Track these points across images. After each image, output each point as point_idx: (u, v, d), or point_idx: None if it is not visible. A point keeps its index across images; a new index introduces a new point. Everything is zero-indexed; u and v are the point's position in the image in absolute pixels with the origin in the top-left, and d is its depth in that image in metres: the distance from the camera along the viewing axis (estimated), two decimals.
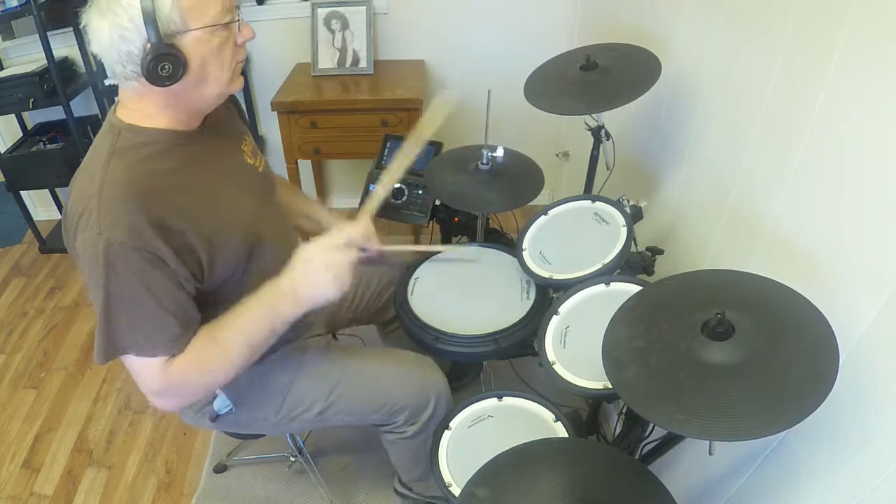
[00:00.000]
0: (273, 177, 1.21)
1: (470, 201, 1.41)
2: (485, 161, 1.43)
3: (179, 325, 0.91)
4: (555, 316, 1.11)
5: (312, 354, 1.20)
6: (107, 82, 2.20)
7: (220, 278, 0.99)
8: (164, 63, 0.84)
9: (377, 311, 1.47)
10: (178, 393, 0.97)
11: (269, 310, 0.96)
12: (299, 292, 0.96)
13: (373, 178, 1.72)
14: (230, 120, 1.12)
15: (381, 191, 1.15)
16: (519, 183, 1.44)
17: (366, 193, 1.71)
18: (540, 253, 1.26)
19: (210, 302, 1.00)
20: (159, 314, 0.89)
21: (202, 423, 1.19)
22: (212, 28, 0.88)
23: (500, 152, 1.45)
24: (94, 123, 2.52)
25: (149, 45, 0.83)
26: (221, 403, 1.13)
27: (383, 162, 1.75)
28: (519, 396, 1.14)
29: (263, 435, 1.39)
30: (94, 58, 0.83)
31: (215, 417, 1.15)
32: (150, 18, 0.82)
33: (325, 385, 1.17)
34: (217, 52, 0.90)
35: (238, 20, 0.93)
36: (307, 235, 1.47)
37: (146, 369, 0.92)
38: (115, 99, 0.99)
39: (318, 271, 0.95)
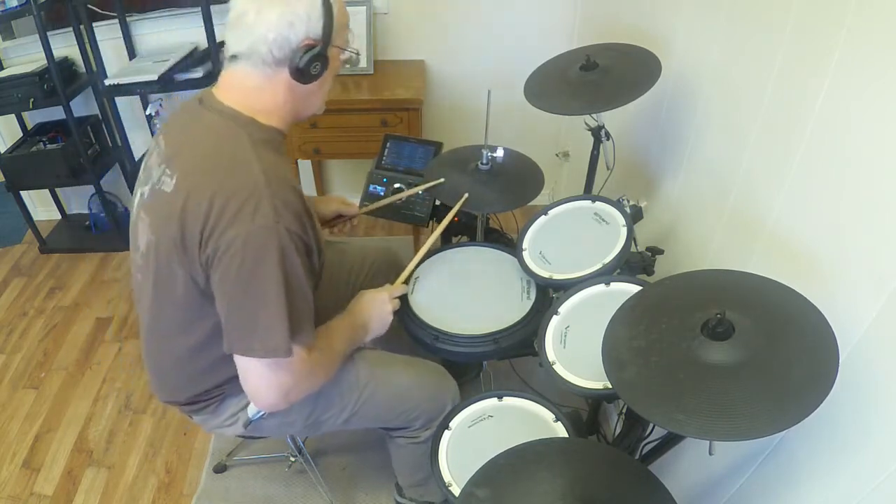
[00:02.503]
0: None
1: (470, 201, 1.41)
2: (485, 161, 1.43)
3: (313, 313, 0.97)
4: (555, 316, 1.11)
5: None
6: (107, 82, 2.19)
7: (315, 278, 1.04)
8: (317, 63, 0.93)
9: None
10: (309, 382, 1.01)
11: (352, 332, 1.13)
12: (369, 326, 1.16)
13: (373, 179, 1.72)
14: None
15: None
16: (519, 183, 1.44)
17: (366, 193, 1.71)
18: (540, 253, 1.26)
19: None
20: (311, 300, 0.95)
21: (229, 431, 1.17)
22: (341, 50, 0.99)
23: (500, 152, 1.45)
24: (94, 123, 2.52)
25: (309, 42, 0.91)
26: (255, 409, 1.12)
27: (383, 162, 1.75)
28: (519, 396, 1.14)
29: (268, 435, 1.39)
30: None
31: (248, 423, 1.14)
32: (328, 21, 0.91)
33: (354, 393, 1.18)
34: (333, 72, 1.01)
35: (357, 54, 1.03)
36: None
37: (299, 356, 0.95)
38: (208, 84, 1.02)
39: (387, 312, 1.18)
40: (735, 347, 0.73)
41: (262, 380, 0.95)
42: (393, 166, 1.73)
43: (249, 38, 0.90)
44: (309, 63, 0.91)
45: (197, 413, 1.16)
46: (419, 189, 1.48)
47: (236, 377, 0.99)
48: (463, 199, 1.38)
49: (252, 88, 0.95)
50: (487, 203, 1.43)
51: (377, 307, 1.18)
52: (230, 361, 0.96)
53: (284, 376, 0.95)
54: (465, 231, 1.72)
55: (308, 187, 2.70)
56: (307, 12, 0.89)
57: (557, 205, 1.33)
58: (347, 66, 1.05)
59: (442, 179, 1.44)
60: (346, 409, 1.18)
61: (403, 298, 1.28)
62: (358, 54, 1.03)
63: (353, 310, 1.17)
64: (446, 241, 1.75)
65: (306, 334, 0.95)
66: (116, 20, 2.30)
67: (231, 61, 0.95)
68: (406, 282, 1.27)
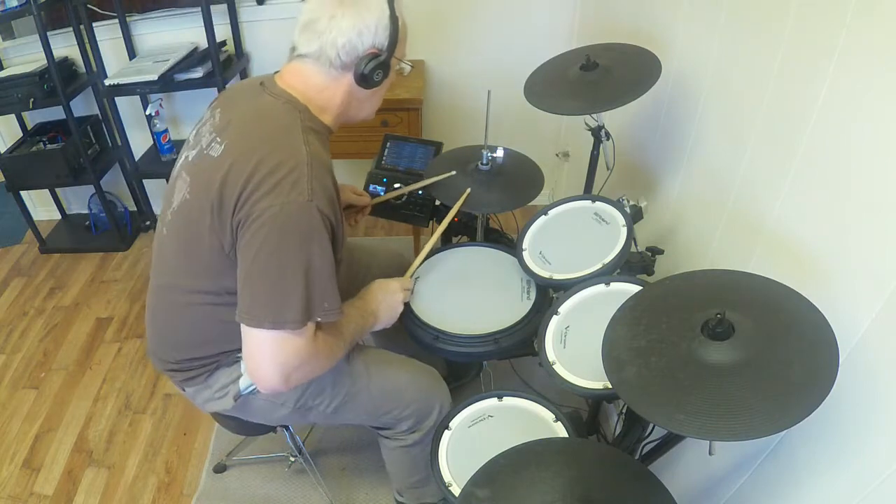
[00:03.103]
0: None
1: (470, 202, 1.41)
2: (485, 161, 1.43)
3: (339, 297, 0.99)
4: (555, 316, 1.11)
5: None
6: (107, 82, 2.19)
7: None
8: (380, 70, 1.00)
9: None
10: (311, 366, 1.01)
11: (361, 320, 1.15)
12: (378, 313, 1.18)
13: (373, 179, 1.72)
14: None
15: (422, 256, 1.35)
16: (519, 183, 1.44)
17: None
18: (540, 253, 1.26)
19: None
20: (335, 282, 0.97)
21: (217, 406, 1.17)
22: (398, 61, 1.05)
23: (500, 153, 1.45)
24: (94, 123, 2.53)
25: (374, 51, 0.99)
26: (248, 382, 1.13)
27: (383, 162, 1.75)
28: (519, 396, 1.14)
29: (268, 431, 1.39)
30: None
31: (238, 397, 1.15)
32: (394, 34, 0.98)
33: (346, 382, 1.19)
34: (389, 82, 1.07)
35: (410, 65, 1.09)
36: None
37: (301, 336, 0.96)
38: (274, 72, 1.06)
39: (397, 302, 1.20)
40: (735, 347, 0.73)
41: (265, 357, 0.96)
42: (393, 166, 1.73)
43: (319, 42, 0.97)
44: (373, 70, 0.99)
45: (189, 383, 1.16)
46: (431, 181, 1.48)
47: (236, 349, 1.01)
48: (465, 195, 1.39)
49: (314, 85, 1.01)
50: (487, 203, 1.43)
51: (389, 296, 1.20)
52: (237, 331, 0.97)
53: (289, 356, 0.96)
54: (465, 231, 1.72)
55: None
56: (376, 23, 0.96)
57: (557, 205, 1.33)
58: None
59: (453, 172, 1.45)
60: (336, 398, 1.19)
61: None
62: (412, 66, 1.10)
63: (363, 296, 1.18)
64: (446, 241, 1.75)
65: (323, 314, 0.96)
66: (116, 20, 2.30)
67: (298, 58, 1.01)
68: (413, 275, 1.29)
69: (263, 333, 0.93)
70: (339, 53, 0.97)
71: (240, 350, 1.01)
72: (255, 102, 1.02)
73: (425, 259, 1.34)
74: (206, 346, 1.10)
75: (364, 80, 1.00)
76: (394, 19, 0.98)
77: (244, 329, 0.95)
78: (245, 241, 0.92)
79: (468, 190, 1.39)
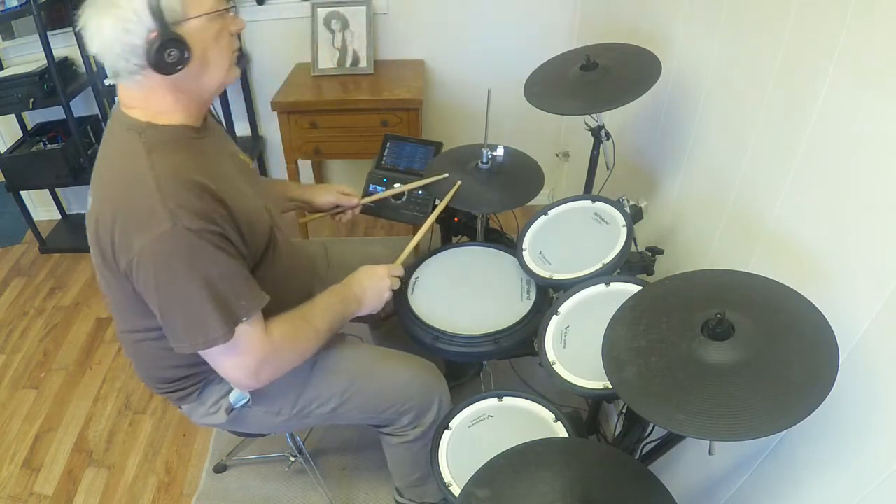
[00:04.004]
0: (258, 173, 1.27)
1: (470, 201, 1.41)
2: (485, 160, 1.43)
3: (256, 286, 0.98)
4: (555, 316, 1.11)
5: (329, 350, 1.22)
6: (107, 82, 2.19)
7: (252, 261, 1.04)
8: (170, 49, 0.87)
9: None
10: (277, 359, 1.02)
11: (341, 306, 1.14)
12: (363, 298, 1.17)
13: (373, 179, 1.72)
14: (213, 122, 1.15)
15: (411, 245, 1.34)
16: (519, 183, 1.44)
17: (366, 194, 1.71)
18: (540, 253, 1.26)
19: None
20: (246, 276, 0.96)
21: (214, 421, 1.18)
22: (209, 16, 0.92)
23: (500, 151, 1.45)
24: (94, 123, 2.53)
25: (153, 35, 0.86)
26: (238, 396, 1.13)
27: (383, 162, 1.75)
28: (519, 396, 1.14)
29: (267, 433, 1.39)
30: (94, 58, 0.84)
31: (231, 410, 1.15)
32: (155, 7, 0.85)
33: (343, 381, 1.19)
34: (215, 40, 0.95)
35: (232, 7, 0.98)
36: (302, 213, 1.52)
37: (251, 336, 0.96)
38: (115, 99, 1.00)
39: (384, 288, 1.20)
40: (735, 347, 0.73)
41: (224, 364, 0.99)
42: (393, 166, 1.73)
43: (106, 60, 0.90)
44: (162, 53, 0.87)
45: (183, 401, 1.17)
46: (422, 183, 1.48)
47: (205, 363, 1.01)
48: (456, 187, 1.40)
49: (137, 98, 0.95)
50: (487, 202, 1.43)
51: (375, 281, 1.19)
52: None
53: (243, 358, 0.97)
54: (465, 231, 1.72)
55: None
56: (134, 10, 0.85)
57: (557, 205, 1.33)
58: (233, 14, 0.99)
59: (446, 175, 1.45)
60: (333, 399, 1.19)
61: (404, 299, 1.28)
62: (233, 7, 0.98)
63: (347, 282, 1.18)
64: (446, 241, 1.75)
65: (246, 312, 0.95)
66: None
67: (114, 80, 0.95)
68: (403, 263, 1.29)
69: (206, 353, 0.95)
70: (126, 60, 0.88)
71: None
72: (108, 143, 1.00)
73: (416, 247, 1.34)
74: (178, 370, 1.12)
75: (163, 68, 0.88)
76: None
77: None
78: (140, 284, 0.92)
79: (458, 182, 1.41)
